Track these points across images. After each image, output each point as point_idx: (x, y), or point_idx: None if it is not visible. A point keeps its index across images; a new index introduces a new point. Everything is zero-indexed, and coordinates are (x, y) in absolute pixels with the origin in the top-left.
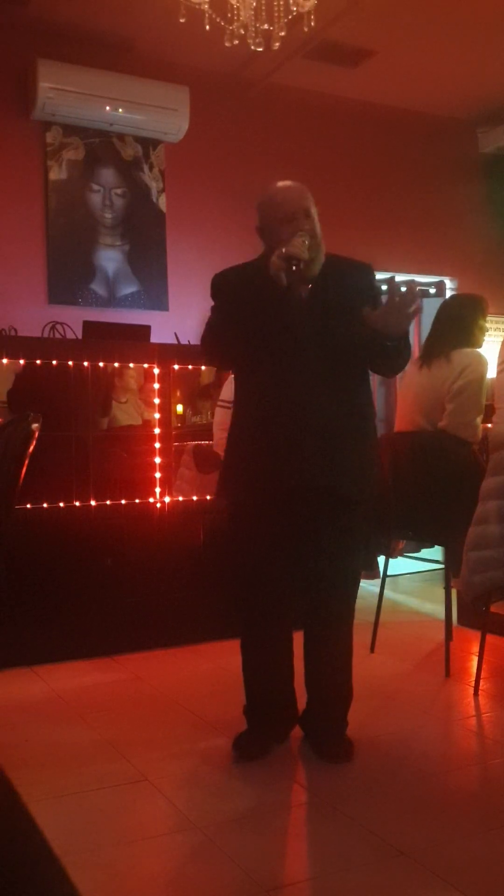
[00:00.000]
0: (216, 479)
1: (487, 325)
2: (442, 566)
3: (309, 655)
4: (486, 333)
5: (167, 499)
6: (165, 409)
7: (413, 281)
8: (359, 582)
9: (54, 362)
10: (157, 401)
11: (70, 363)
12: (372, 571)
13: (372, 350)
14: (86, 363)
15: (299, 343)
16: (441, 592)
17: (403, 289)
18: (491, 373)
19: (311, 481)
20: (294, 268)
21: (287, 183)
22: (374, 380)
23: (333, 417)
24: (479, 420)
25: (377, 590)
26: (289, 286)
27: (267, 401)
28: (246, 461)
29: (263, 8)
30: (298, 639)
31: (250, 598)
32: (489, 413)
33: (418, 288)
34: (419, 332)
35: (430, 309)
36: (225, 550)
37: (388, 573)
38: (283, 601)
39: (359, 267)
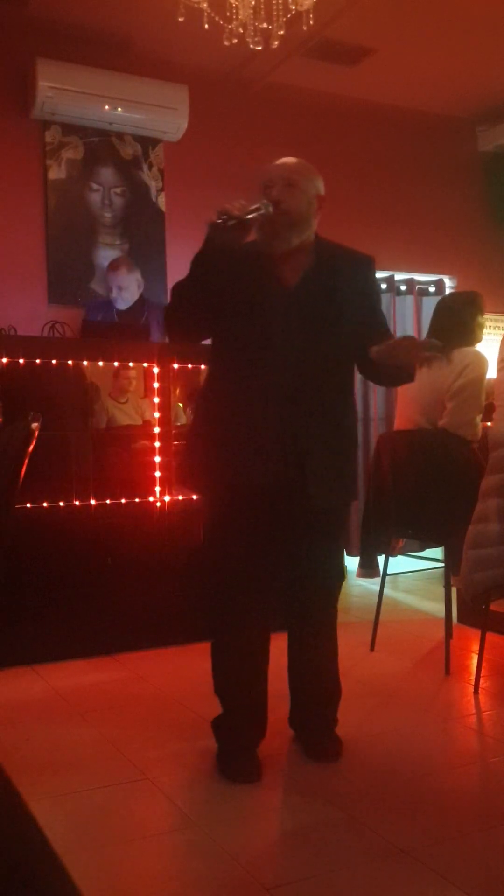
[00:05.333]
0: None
1: (486, 322)
2: (442, 564)
3: (295, 657)
4: (484, 329)
5: (167, 498)
6: (165, 408)
7: (434, 341)
8: (342, 580)
9: (54, 362)
10: (156, 400)
11: (70, 363)
12: (372, 570)
13: (376, 369)
14: (85, 363)
15: (277, 333)
16: (441, 591)
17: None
18: (491, 372)
19: (276, 483)
20: (220, 221)
21: (289, 158)
22: None
23: (305, 417)
24: (478, 419)
25: (377, 588)
26: (212, 240)
27: (238, 391)
28: (211, 454)
29: (262, 6)
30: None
31: (229, 598)
32: (489, 411)
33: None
34: (419, 331)
35: (428, 307)
36: (201, 546)
37: (388, 572)
38: (262, 602)
39: (358, 260)
